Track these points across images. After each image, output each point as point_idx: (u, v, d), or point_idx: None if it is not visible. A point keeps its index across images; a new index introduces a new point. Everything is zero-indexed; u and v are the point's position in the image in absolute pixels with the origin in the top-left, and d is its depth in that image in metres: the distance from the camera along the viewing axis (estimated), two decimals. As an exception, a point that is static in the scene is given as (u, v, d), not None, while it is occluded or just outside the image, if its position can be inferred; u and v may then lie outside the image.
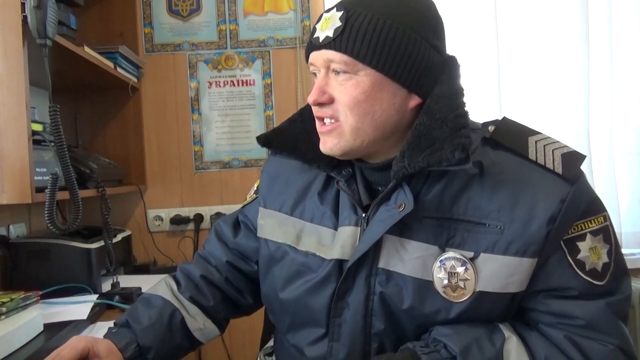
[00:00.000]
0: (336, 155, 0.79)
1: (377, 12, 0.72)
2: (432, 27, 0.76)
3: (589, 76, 2.03)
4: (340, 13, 0.73)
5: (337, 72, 0.75)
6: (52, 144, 1.07)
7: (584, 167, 0.76)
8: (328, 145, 0.78)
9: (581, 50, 2.02)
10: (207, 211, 1.99)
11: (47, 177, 1.05)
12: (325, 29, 0.74)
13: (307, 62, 0.79)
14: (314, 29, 0.77)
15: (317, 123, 0.79)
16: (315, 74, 0.79)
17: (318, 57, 0.76)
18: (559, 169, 0.73)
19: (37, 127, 1.11)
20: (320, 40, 0.74)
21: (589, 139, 2.02)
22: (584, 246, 0.73)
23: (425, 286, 0.75)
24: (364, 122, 0.74)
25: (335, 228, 0.82)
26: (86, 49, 1.41)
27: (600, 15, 2.05)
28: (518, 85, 2.05)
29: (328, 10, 0.76)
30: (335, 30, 0.73)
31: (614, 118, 2.07)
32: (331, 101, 0.76)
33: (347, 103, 0.74)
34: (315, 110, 0.78)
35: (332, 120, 0.77)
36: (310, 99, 0.77)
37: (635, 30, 2.08)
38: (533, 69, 2.05)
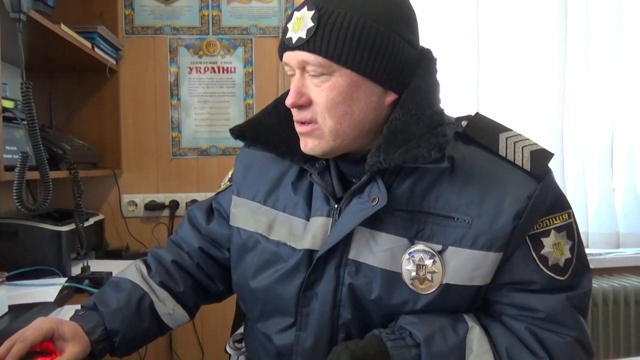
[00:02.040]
0: (317, 155, 0.79)
1: (349, 9, 0.72)
2: (405, 20, 0.76)
3: (565, 79, 2.08)
4: (312, 12, 0.72)
5: (312, 73, 0.74)
6: (24, 122, 1.04)
7: (556, 166, 0.78)
8: (309, 146, 0.78)
9: (558, 53, 2.06)
10: (183, 198, 1.97)
11: (17, 156, 1.02)
12: (298, 30, 0.73)
13: (281, 61, 0.79)
14: (286, 29, 0.76)
15: (296, 124, 0.79)
16: (290, 72, 0.79)
17: (292, 57, 0.75)
18: (527, 166, 0.75)
19: (8, 104, 1.09)
20: (294, 42, 0.73)
21: (562, 140, 2.07)
22: (547, 242, 0.75)
23: (393, 278, 0.76)
24: (342, 123, 0.75)
25: (308, 218, 0.83)
26: (63, 27, 1.38)
27: (577, 20, 2.09)
28: (496, 85, 2.08)
29: (299, 9, 0.75)
30: (308, 31, 0.72)
31: (586, 120, 2.13)
32: (309, 103, 0.76)
33: (325, 105, 0.74)
34: (295, 113, 0.78)
35: (311, 123, 0.77)
36: (289, 102, 0.77)
37: (610, 37, 2.13)
38: (511, 70, 2.09)
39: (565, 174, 2.05)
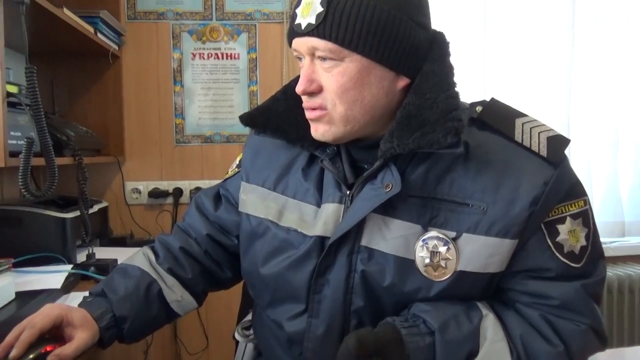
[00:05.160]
0: (328, 141, 0.78)
1: None
2: (416, 3, 0.74)
3: (572, 66, 2.05)
4: None
5: (322, 59, 0.73)
6: (28, 107, 1.03)
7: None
8: (320, 131, 0.77)
9: (566, 40, 2.04)
10: (186, 185, 1.96)
11: (22, 142, 1.01)
12: (307, 15, 0.71)
13: (290, 47, 0.77)
14: (295, 14, 0.74)
15: (306, 110, 0.78)
16: (299, 59, 0.77)
17: (301, 44, 0.74)
18: (543, 152, 0.74)
19: (12, 89, 1.07)
20: (303, 28, 0.72)
21: (568, 128, 2.06)
22: (563, 229, 0.74)
23: (406, 265, 0.75)
24: (353, 109, 0.73)
25: (319, 205, 0.82)
26: (65, 11, 1.36)
27: (586, 8, 2.06)
28: (502, 73, 2.06)
29: None
30: (317, 16, 0.70)
31: (593, 109, 2.11)
32: (320, 90, 0.75)
33: (336, 91, 0.73)
34: (305, 100, 0.77)
35: (320, 109, 0.75)
36: (299, 89, 0.75)
37: (619, 25, 2.10)
38: (518, 57, 2.06)
39: (572, 163, 2.03)
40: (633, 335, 2.09)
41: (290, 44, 0.77)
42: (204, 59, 1.95)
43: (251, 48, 1.97)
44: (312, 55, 0.74)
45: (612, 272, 2.07)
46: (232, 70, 1.97)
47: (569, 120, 2.06)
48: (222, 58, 1.96)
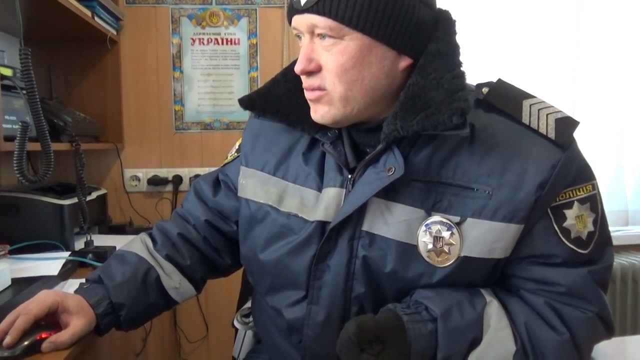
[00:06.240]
0: (328, 123, 0.76)
1: None
2: None
3: (577, 53, 2.02)
4: None
5: (322, 36, 0.71)
6: (23, 90, 1.01)
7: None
8: (319, 113, 0.75)
9: (571, 25, 2.01)
10: (186, 173, 1.94)
11: (17, 126, 0.99)
12: None
13: (290, 25, 0.75)
14: None
15: (305, 91, 0.76)
16: (299, 37, 0.75)
17: (301, 21, 0.72)
18: (551, 134, 0.72)
19: (7, 72, 1.05)
20: (302, 4, 0.70)
21: (574, 116, 2.02)
22: (570, 214, 0.72)
23: (409, 250, 0.73)
24: (352, 89, 0.71)
25: (320, 189, 0.80)
26: (61, -7, 1.33)
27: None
28: (504, 60, 2.02)
29: None
30: None
31: (600, 98, 2.08)
32: (319, 69, 0.73)
33: (335, 71, 0.71)
34: (304, 80, 0.75)
35: (320, 89, 0.73)
36: (298, 69, 0.73)
37: (626, 11, 2.06)
38: (522, 44, 2.02)
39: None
40: (636, 325, 2.08)
41: (290, 21, 0.75)
42: (203, 44, 1.92)
43: (252, 33, 1.93)
44: (312, 33, 0.72)
45: (616, 261, 2.05)
46: (232, 56, 1.94)
47: (574, 109, 2.03)
48: (222, 43, 1.93)
